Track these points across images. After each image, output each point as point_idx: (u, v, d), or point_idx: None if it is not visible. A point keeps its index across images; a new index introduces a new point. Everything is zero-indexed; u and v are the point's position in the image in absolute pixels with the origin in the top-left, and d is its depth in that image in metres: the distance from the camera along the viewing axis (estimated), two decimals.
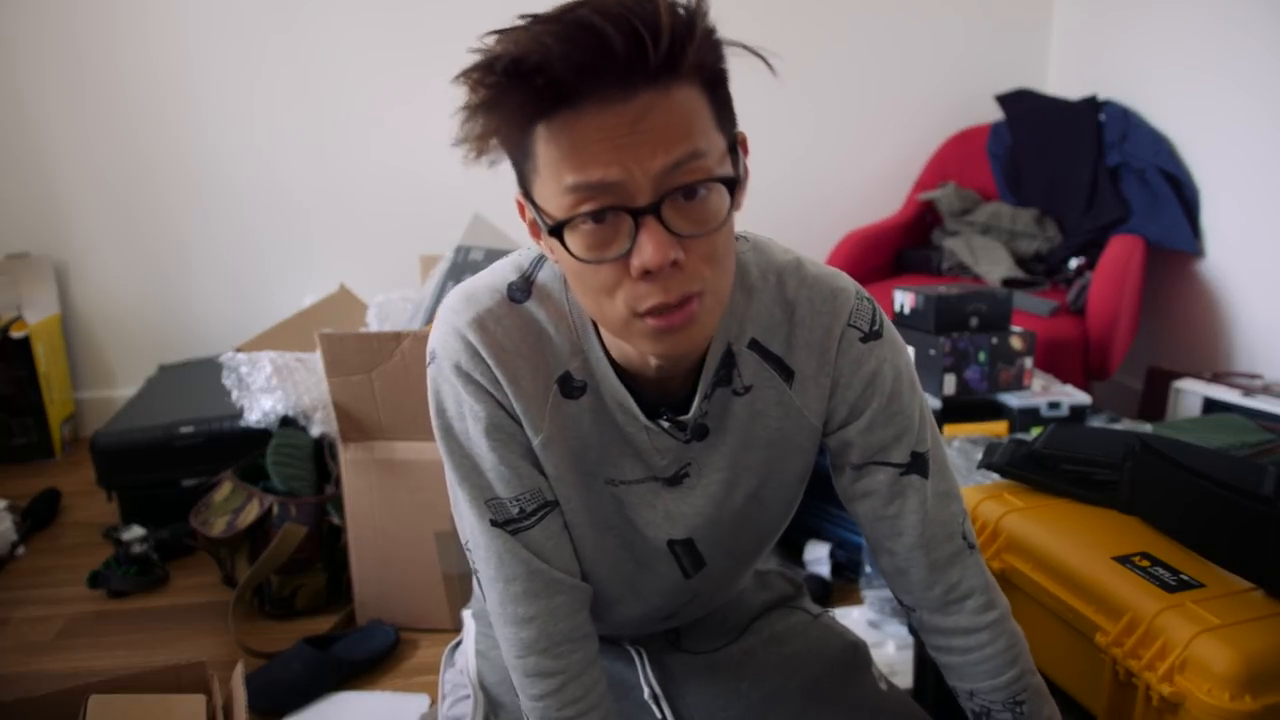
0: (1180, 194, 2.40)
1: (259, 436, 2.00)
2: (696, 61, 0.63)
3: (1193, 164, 2.41)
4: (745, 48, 0.67)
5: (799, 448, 0.86)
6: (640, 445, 0.83)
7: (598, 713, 0.85)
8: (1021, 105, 2.82)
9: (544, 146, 0.64)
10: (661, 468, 0.84)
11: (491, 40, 0.63)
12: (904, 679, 1.43)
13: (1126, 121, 2.55)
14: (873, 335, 0.82)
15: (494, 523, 0.82)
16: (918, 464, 0.85)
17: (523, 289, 0.80)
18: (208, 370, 2.35)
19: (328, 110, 2.84)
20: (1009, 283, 2.46)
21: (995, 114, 2.89)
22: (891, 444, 0.84)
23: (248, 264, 2.95)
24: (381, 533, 1.74)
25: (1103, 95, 2.67)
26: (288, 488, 1.86)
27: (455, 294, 0.81)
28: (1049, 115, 2.75)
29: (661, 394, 0.81)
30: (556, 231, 0.66)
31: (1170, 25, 2.47)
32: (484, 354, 0.78)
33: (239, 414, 2.02)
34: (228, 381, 2.03)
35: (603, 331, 0.79)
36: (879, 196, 3.00)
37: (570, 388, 0.80)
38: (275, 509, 1.81)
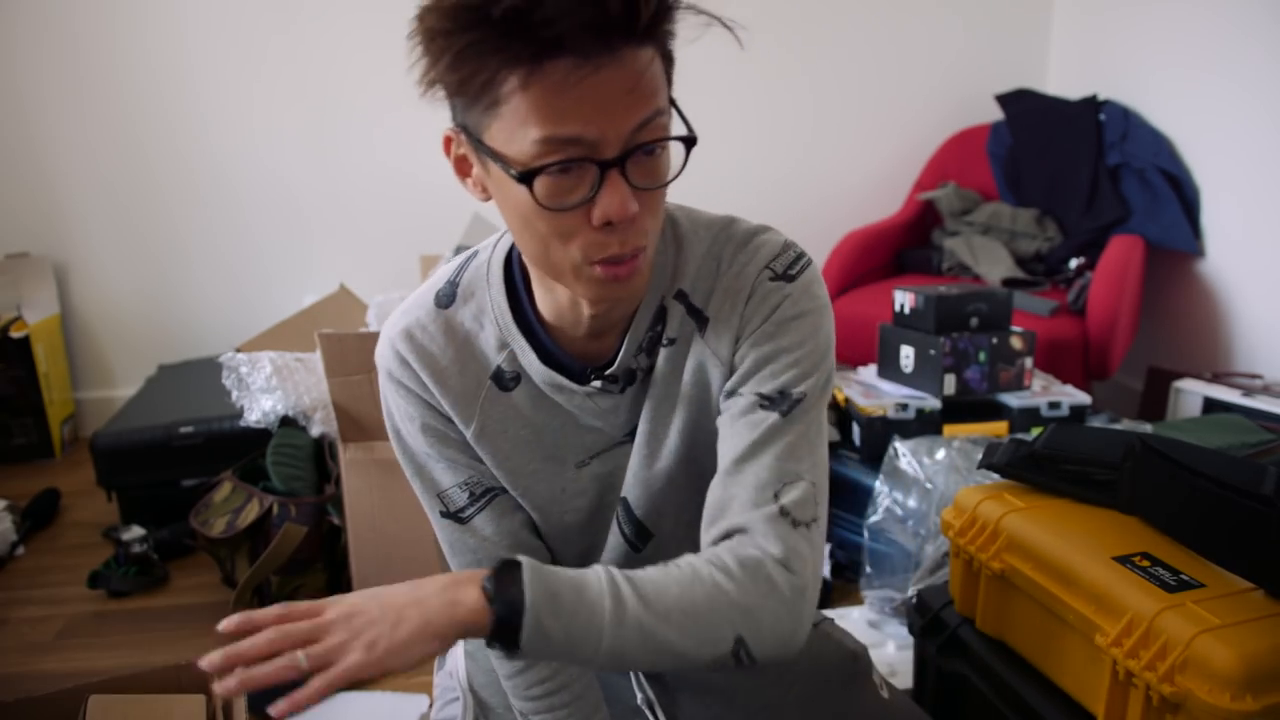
0: (1180, 194, 2.40)
1: (259, 436, 2.00)
2: (667, 26, 0.65)
3: (1193, 164, 2.41)
4: (717, 19, 0.68)
5: (716, 395, 0.81)
6: (589, 413, 0.83)
7: (570, 692, 0.87)
8: (1021, 105, 2.82)
9: (517, 94, 0.63)
10: (619, 425, 0.84)
11: None
12: (904, 679, 1.43)
13: (1126, 121, 2.55)
14: (784, 277, 0.78)
15: (444, 514, 0.86)
16: (782, 402, 0.76)
17: (449, 294, 0.83)
18: (207, 370, 2.35)
19: (328, 110, 2.84)
20: (1009, 283, 2.46)
21: (995, 114, 2.88)
22: (764, 366, 0.77)
23: (248, 264, 2.95)
24: (381, 533, 1.74)
25: (1103, 95, 2.67)
26: (288, 488, 1.86)
27: (397, 308, 0.85)
28: (1049, 115, 2.74)
29: (592, 357, 0.82)
30: (526, 179, 0.65)
31: (1170, 25, 2.47)
32: (410, 361, 0.82)
33: (239, 414, 2.02)
34: (228, 381, 2.03)
35: (537, 291, 0.80)
36: (879, 196, 2.99)
37: (504, 381, 0.83)
38: (275, 509, 1.81)
